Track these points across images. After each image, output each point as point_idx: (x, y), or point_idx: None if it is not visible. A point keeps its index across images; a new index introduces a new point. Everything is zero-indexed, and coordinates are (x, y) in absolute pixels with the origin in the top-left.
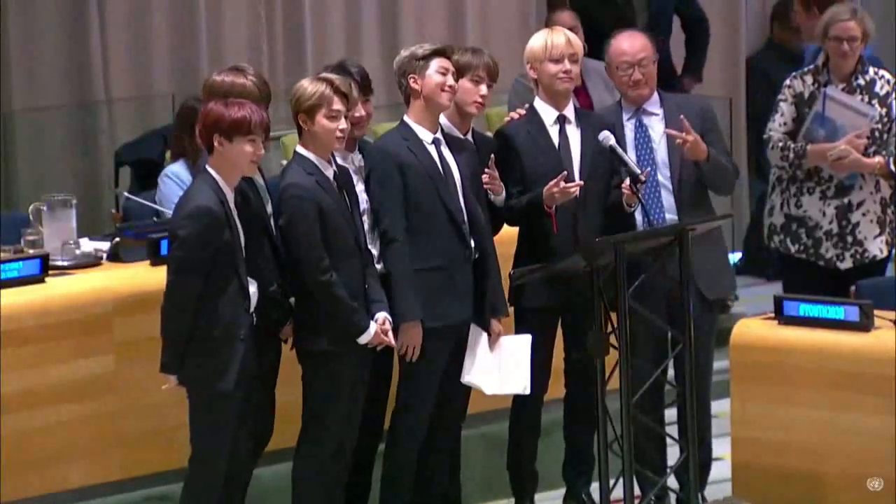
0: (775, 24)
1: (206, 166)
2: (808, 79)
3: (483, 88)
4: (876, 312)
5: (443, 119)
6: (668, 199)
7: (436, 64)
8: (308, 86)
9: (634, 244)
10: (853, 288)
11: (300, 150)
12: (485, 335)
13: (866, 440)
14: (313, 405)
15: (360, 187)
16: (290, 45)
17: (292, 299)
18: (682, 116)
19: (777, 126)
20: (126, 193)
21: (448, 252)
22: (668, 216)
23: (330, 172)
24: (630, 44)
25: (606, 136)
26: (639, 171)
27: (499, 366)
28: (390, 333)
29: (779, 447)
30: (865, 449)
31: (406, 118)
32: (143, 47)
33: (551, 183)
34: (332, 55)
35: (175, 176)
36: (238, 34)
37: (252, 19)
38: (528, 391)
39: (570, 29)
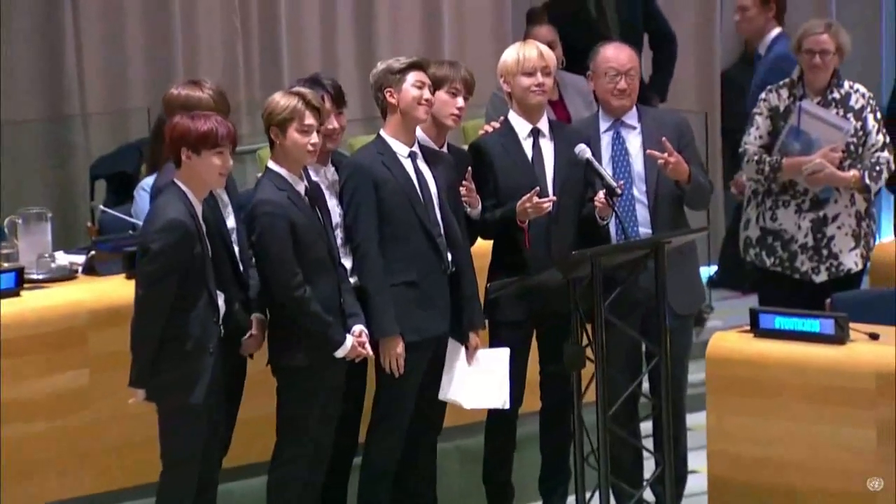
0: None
1: (175, 179)
2: (784, 92)
3: (459, 101)
4: (851, 325)
5: (419, 132)
6: (642, 213)
7: (412, 77)
8: (280, 100)
9: (611, 257)
10: (829, 301)
11: (272, 165)
12: (463, 349)
13: (843, 454)
14: (288, 419)
15: (332, 202)
16: (267, 58)
17: (255, 315)
18: (664, 138)
19: (752, 139)
20: (101, 207)
21: (424, 266)
22: (642, 230)
23: (301, 188)
24: (618, 53)
25: (583, 149)
26: (615, 184)
27: (477, 380)
28: (367, 346)
29: (755, 461)
30: (842, 462)
31: (382, 132)
32: (118, 61)
33: (524, 198)
34: (308, 68)
35: (151, 189)
36: (214, 47)
37: (228, 32)
38: (507, 405)
39: (549, 43)
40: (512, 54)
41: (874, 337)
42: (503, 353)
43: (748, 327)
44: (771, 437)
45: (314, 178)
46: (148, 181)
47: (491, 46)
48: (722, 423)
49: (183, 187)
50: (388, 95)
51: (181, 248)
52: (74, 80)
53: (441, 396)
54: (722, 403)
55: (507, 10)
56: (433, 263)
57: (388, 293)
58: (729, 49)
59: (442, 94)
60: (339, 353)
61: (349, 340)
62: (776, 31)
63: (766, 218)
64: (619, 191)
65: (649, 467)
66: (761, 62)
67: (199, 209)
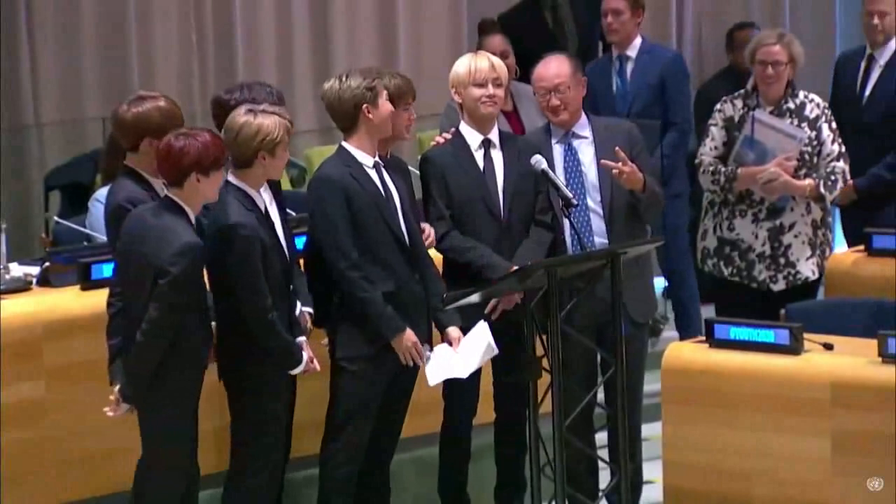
0: (730, 50)
1: (174, 197)
2: (738, 102)
3: (413, 112)
4: (806, 335)
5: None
6: (597, 224)
7: (385, 93)
8: (266, 121)
9: (566, 268)
10: (783, 311)
11: (234, 181)
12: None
13: (798, 464)
14: (243, 435)
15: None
16: (222, 68)
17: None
18: (617, 147)
19: (708, 150)
20: (56, 218)
21: (398, 275)
22: (598, 240)
23: (263, 206)
24: (545, 69)
25: (538, 160)
26: (571, 195)
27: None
28: (315, 360)
29: (710, 471)
30: (798, 473)
31: (345, 144)
32: (73, 70)
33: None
34: (263, 79)
35: (105, 202)
36: (169, 57)
37: (183, 42)
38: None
39: (501, 53)
40: (463, 65)
41: (829, 347)
42: (481, 327)
43: (703, 338)
44: (726, 447)
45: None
46: (103, 192)
47: (447, 56)
48: (677, 434)
49: (184, 206)
50: (365, 111)
51: (197, 271)
52: (29, 89)
53: (432, 383)
54: (677, 414)
55: (463, 20)
56: (407, 273)
57: (380, 296)
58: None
59: (398, 111)
60: (297, 371)
61: (304, 357)
62: (639, 38)
63: (723, 228)
64: (574, 202)
65: (605, 478)
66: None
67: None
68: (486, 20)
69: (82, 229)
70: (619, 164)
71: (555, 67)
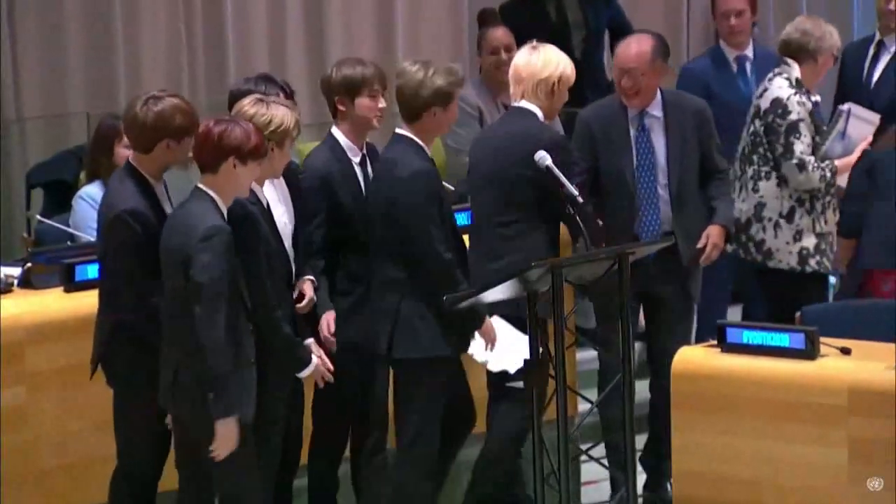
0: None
1: (202, 186)
2: (803, 97)
3: (381, 101)
4: (822, 339)
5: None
6: (665, 210)
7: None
8: (277, 111)
9: (572, 269)
10: (798, 314)
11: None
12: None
13: (813, 473)
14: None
15: (280, 209)
16: (212, 61)
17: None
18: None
19: (806, 148)
20: (38, 216)
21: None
22: (664, 227)
23: (265, 202)
24: (625, 49)
25: (542, 157)
26: (576, 193)
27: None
28: (324, 355)
29: (722, 480)
30: (813, 482)
31: (409, 134)
32: (56, 64)
33: None
34: (255, 72)
35: (90, 198)
36: (157, 50)
37: (172, 35)
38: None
39: (506, 46)
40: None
41: (846, 351)
42: (498, 323)
43: (715, 342)
44: (738, 455)
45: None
46: (88, 189)
47: (447, 50)
48: (687, 441)
49: (213, 194)
50: (433, 113)
51: (230, 257)
52: (10, 83)
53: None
54: (688, 421)
55: (464, 16)
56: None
57: None
58: (697, 52)
59: (363, 100)
60: (305, 373)
61: (314, 360)
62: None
63: (820, 223)
64: (579, 200)
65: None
66: None
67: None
68: (487, 10)
69: (66, 228)
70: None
71: (634, 49)
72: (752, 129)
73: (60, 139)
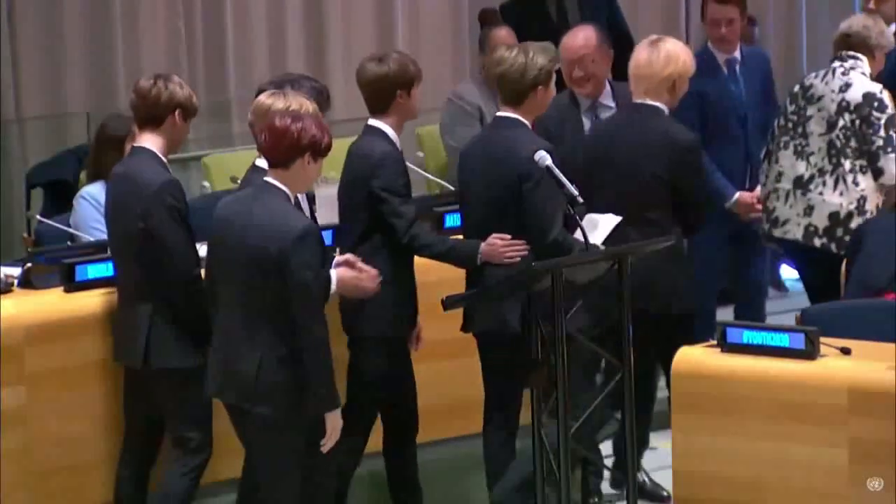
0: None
1: (273, 181)
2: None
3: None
4: (822, 339)
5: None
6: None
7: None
8: (293, 102)
9: (572, 269)
10: (798, 314)
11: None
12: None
13: (813, 474)
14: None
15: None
16: (211, 61)
17: None
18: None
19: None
20: (39, 216)
21: None
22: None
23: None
24: (572, 40)
25: (542, 157)
26: (576, 193)
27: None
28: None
29: (722, 481)
30: (813, 483)
31: (518, 117)
32: (56, 64)
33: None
34: (255, 72)
35: (92, 198)
36: (157, 50)
37: (171, 35)
38: None
39: (510, 47)
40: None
41: (846, 352)
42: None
43: (715, 342)
44: (738, 456)
45: None
46: (89, 189)
47: (447, 50)
48: (688, 442)
49: (287, 191)
50: (538, 92)
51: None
52: (10, 83)
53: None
54: (688, 421)
55: (464, 14)
56: None
57: None
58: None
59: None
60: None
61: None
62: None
63: None
64: (579, 199)
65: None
66: None
67: None
68: (488, 10)
69: (66, 228)
70: None
71: (581, 39)
72: (840, 123)
73: (60, 139)
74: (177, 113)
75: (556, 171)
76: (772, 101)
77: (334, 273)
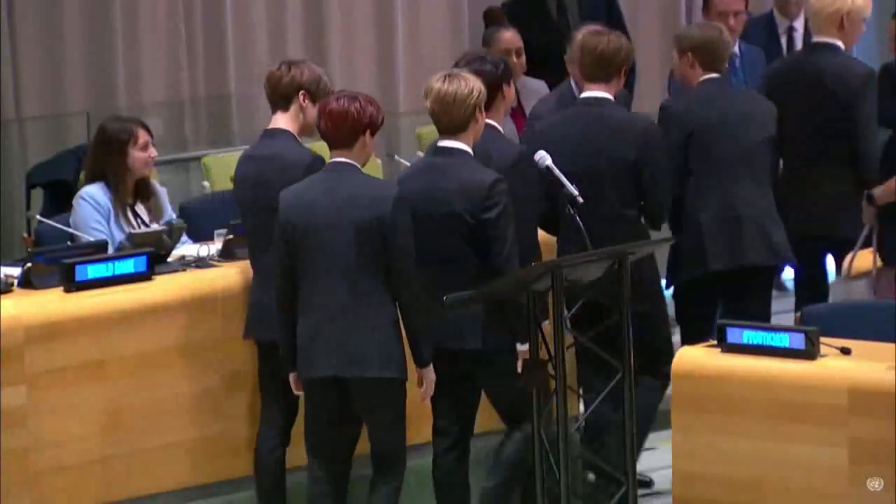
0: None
1: (344, 160)
2: None
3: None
4: (822, 339)
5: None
6: None
7: None
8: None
9: (571, 269)
10: (798, 314)
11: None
12: None
13: (813, 474)
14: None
15: None
16: (211, 60)
17: None
18: None
19: None
20: (39, 216)
21: None
22: None
23: None
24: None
25: (543, 157)
26: (576, 193)
27: None
28: None
29: (722, 481)
30: (812, 483)
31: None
32: (56, 64)
33: None
34: (255, 73)
35: (91, 198)
36: (157, 50)
37: (171, 35)
38: None
39: (517, 50)
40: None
41: (846, 351)
42: None
43: (715, 342)
44: (738, 456)
45: None
46: (89, 189)
47: (447, 50)
48: (688, 443)
49: (357, 164)
50: (624, 72)
51: None
52: (10, 83)
53: None
54: (688, 421)
55: (464, 14)
56: None
57: None
58: None
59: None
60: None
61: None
62: None
63: None
64: (579, 199)
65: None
66: None
67: None
68: (494, 9)
69: (66, 228)
70: None
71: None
72: None
73: (60, 139)
74: (300, 94)
75: (556, 172)
76: None
77: None
